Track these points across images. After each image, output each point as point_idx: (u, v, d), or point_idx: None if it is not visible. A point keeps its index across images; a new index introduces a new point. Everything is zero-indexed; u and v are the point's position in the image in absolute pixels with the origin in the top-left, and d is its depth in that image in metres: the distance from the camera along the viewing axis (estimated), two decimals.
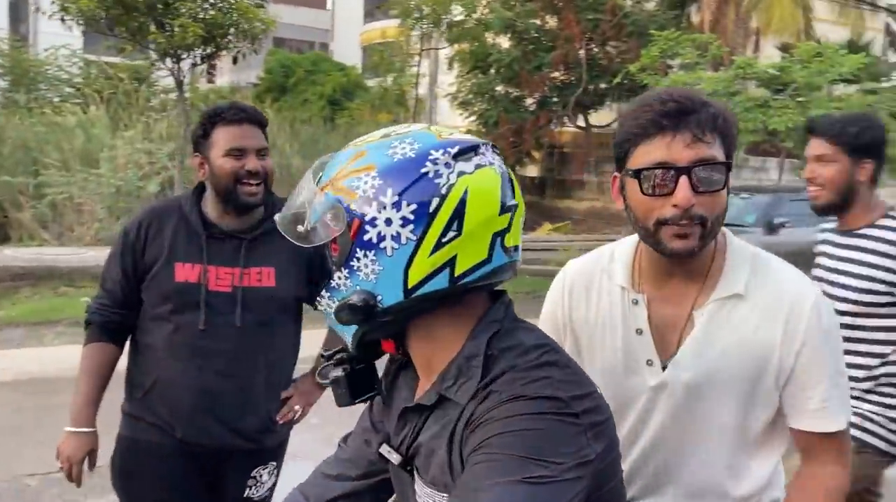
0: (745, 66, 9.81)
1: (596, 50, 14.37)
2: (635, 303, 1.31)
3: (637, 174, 1.19)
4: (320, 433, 4.09)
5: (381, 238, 0.92)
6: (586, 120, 15.88)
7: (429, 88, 9.90)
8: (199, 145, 1.93)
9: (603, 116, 16.11)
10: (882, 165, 2.18)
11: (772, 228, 8.27)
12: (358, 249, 0.93)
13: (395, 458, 1.04)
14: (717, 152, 1.18)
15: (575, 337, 1.38)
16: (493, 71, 14.85)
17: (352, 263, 0.94)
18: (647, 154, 1.19)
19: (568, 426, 0.87)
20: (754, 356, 1.25)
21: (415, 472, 1.02)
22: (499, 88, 15.10)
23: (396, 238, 0.91)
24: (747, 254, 1.30)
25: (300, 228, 0.98)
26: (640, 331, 1.30)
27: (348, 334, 1.00)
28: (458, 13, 14.94)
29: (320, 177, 0.99)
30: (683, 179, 1.16)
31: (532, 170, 19.50)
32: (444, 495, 0.96)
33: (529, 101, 15.37)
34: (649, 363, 1.29)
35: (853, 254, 2.17)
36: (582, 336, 1.37)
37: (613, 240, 1.49)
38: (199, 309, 1.87)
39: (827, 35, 14.53)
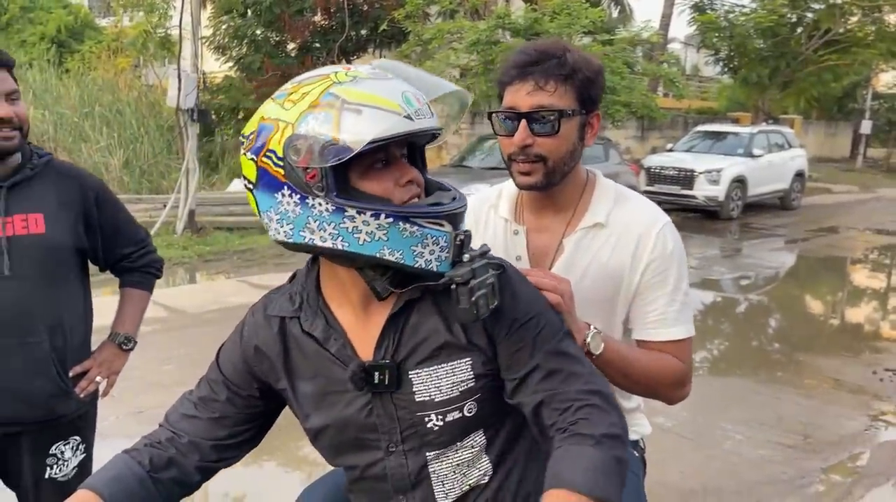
0: (504, 16, 10.35)
1: None
2: (516, 233, 1.48)
3: (490, 117, 1.42)
4: (127, 407, 3.73)
5: None
6: None
7: (192, 30, 9.06)
8: None
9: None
10: None
11: None
12: None
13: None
14: (558, 100, 1.35)
15: None
16: (250, 13, 14.03)
17: None
18: (505, 99, 1.40)
19: None
20: (609, 277, 1.41)
21: (400, 379, 1.09)
22: (258, 32, 14.35)
23: None
24: (611, 190, 1.47)
25: None
26: (519, 258, 1.46)
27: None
28: None
29: None
30: (523, 123, 1.36)
31: None
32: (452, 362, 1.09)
33: (291, 46, 14.81)
34: None
35: None
36: None
37: None
38: None
39: None
